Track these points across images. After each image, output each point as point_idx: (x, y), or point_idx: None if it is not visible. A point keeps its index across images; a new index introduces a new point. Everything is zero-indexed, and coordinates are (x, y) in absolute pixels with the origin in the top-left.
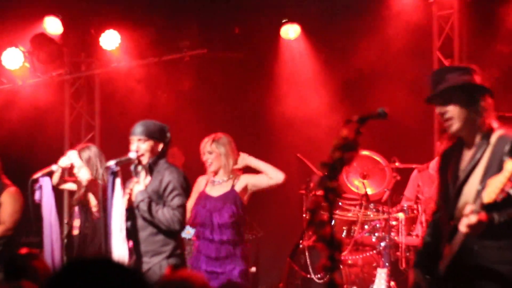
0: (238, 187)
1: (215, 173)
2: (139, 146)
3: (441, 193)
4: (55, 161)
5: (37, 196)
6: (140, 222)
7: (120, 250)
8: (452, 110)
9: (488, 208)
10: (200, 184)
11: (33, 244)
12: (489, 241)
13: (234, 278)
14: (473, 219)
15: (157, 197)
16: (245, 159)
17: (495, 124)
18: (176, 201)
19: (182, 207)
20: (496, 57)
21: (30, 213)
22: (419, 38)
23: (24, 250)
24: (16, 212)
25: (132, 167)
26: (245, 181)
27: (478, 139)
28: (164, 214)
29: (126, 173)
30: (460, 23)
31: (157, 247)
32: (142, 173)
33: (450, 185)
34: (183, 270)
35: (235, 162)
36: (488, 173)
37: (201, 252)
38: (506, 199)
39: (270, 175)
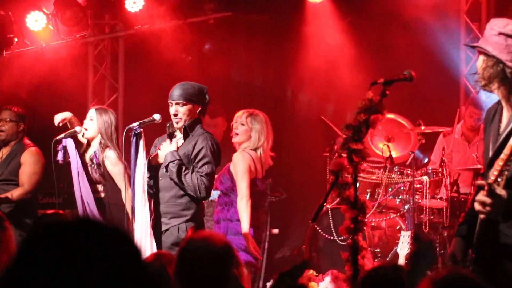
0: (233, 162)
1: (239, 145)
2: (177, 110)
3: (484, 157)
4: (78, 123)
5: (59, 156)
6: (165, 182)
7: (142, 211)
8: (481, 65)
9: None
10: None
11: (55, 205)
12: None
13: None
14: (486, 206)
15: (187, 161)
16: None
17: None
18: (206, 168)
19: (211, 175)
20: None
21: (52, 174)
22: (446, 1)
23: (51, 211)
24: (36, 173)
25: (167, 126)
26: (234, 163)
27: None
28: (192, 179)
29: (149, 135)
30: None
31: (178, 210)
32: (177, 134)
33: (490, 150)
34: (205, 230)
35: (266, 144)
36: None
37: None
38: None
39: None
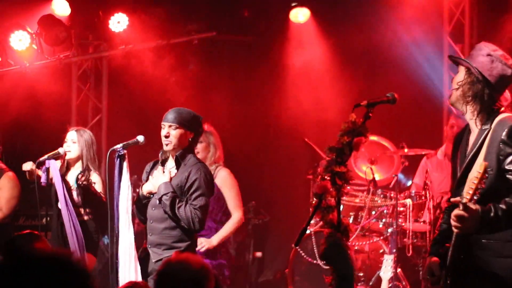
0: (217, 181)
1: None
2: (169, 132)
3: (452, 178)
4: (61, 144)
5: (42, 178)
6: (158, 213)
7: (126, 234)
8: (459, 80)
9: (484, 200)
10: None
11: (37, 228)
12: (496, 234)
13: None
14: (461, 221)
15: (181, 192)
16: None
17: (499, 108)
18: (199, 201)
19: (205, 207)
20: (506, 43)
21: (35, 196)
22: (429, 23)
23: (25, 231)
24: (13, 198)
25: (160, 153)
26: (222, 181)
27: (482, 122)
28: (185, 212)
29: (132, 156)
30: (471, 8)
31: (171, 241)
32: (169, 163)
33: (459, 171)
34: (184, 253)
35: (220, 155)
36: (487, 160)
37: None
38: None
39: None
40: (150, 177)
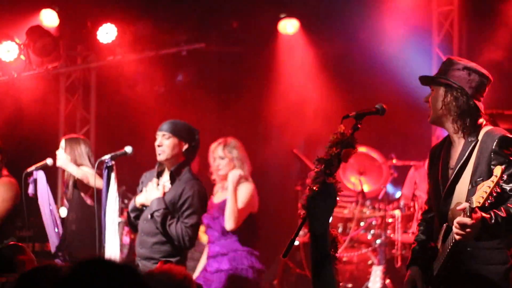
0: (238, 193)
1: (224, 177)
2: (162, 142)
3: (431, 192)
4: (49, 154)
5: (30, 189)
6: (150, 227)
7: (112, 244)
8: (433, 100)
9: (481, 207)
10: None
11: (25, 239)
12: (483, 242)
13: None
14: (466, 228)
15: (173, 208)
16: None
17: (482, 120)
18: (191, 219)
19: (196, 226)
20: (495, 55)
21: (23, 207)
22: (418, 34)
23: (11, 243)
24: (6, 200)
25: (156, 166)
26: (239, 194)
27: (466, 135)
28: (176, 229)
29: (120, 167)
30: (460, 20)
31: (161, 256)
32: (163, 177)
33: (440, 184)
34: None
35: (246, 168)
36: (477, 171)
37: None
38: (498, 195)
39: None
40: (144, 188)
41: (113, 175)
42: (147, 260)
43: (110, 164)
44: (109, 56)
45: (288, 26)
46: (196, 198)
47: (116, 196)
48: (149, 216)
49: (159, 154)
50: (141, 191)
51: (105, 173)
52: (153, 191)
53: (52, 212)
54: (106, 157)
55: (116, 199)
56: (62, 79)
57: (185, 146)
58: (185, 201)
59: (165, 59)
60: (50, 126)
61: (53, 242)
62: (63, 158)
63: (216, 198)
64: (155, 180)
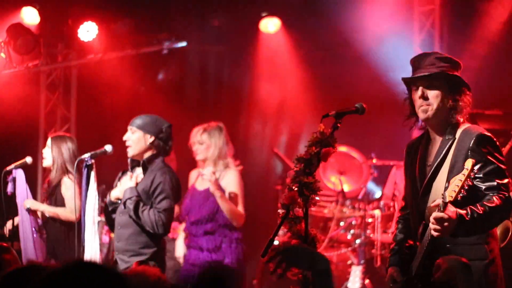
0: (223, 182)
1: (203, 162)
2: (128, 136)
3: (408, 189)
4: (29, 153)
5: (9, 188)
6: (124, 219)
7: (91, 243)
8: (433, 96)
9: (456, 204)
10: (191, 178)
11: (4, 237)
12: (461, 238)
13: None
14: (443, 223)
15: (146, 196)
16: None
17: (461, 118)
18: (164, 204)
19: (169, 210)
20: (476, 54)
21: (2, 205)
22: (400, 33)
23: None
24: None
25: (129, 160)
26: (227, 182)
27: (444, 132)
28: (149, 215)
29: (101, 166)
30: (441, 19)
31: (138, 247)
32: (137, 170)
33: (418, 181)
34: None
35: (225, 154)
36: (454, 168)
37: (190, 246)
38: (473, 194)
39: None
40: (118, 183)
41: (92, 173)
42: (124, 253)
43: (90, 163)
44: (90, 55)
45: (270, 24)
46: (168, 184)
47: (95, 195)
48: (123, 207)
49: (128, 151)
50: (116, 186)
51: (84, 171)
52: (126, 182)
53: (29, 211)
54: (86, 155)
55: (95, 198)
56: (43, 77)
57: (151, 139)
58: (157, 187)
59: (146, 58)
60: (31, 124)
61: (26, 241)
62: (49, 158)
63: (199, 185)
64: (129, 173)
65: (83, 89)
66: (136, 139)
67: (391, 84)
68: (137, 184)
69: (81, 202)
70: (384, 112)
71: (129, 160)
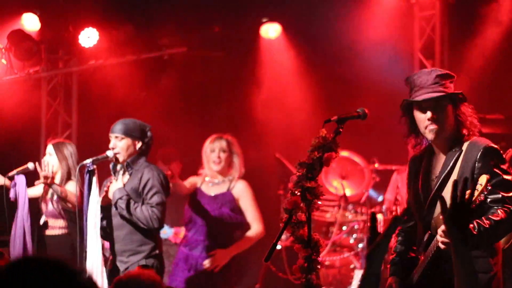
0: (235, 191)
1: (222, 171)
2: (115, 144)
3: (413, 202)
4: (31, 159)
5: (11, 194)
6: (118, 220)
7: (94, 248)
8: (442, 117)
9: None
10: (191, 183)
11: (7, 243)
12: None
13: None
14: (443, 236)
15: (136, 195)
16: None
17: (466, 131)
18: (155, 198)
19: (161, 204)
20: (477, 59)
21: (4, 211)
22: (400, 39)
23: None
24: None
25: (111, 165)
26: (240, 192)
27: (450, 146)
28: (142, 211)
29: (104, 172)
30: (442, 25)
31: (134, 246)
32: (121, 171)
33: (422, 194)
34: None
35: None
36: (462, 179)
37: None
38: (478, 206)
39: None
40: (105, 189)
41: (94, 179)
42: (122, 254)
43: (92, 168)
44: (91, 60)
45: (270, 30)
46: (157, 179)
47: (98, 201)
48: (114, 208)
49: (117, 157)
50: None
51: (86, 177)
52: (112, 185)
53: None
54: (88, 161)
55: (97, 203)
56: (44, 83)
57: (139, 145)
58: (146, 183)
59: (147, 64)
60: (32, 130)
61: (16, 246)
62: (54, 164)
63: (209, 190)
64: (112, 177)
65: (84, 95)
66: (125, 146)
67: (392, 89)
68: (124, 184)
69: (83, 208)
70: (386, 117)
71: (111, 165)
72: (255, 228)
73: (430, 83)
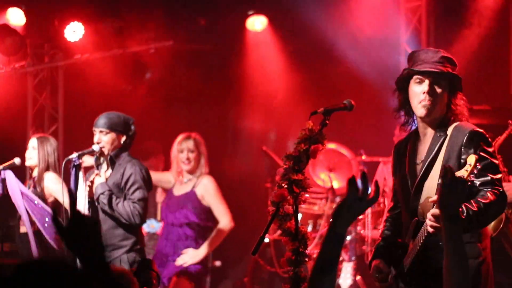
0: (198, 189)
1: (182, 172)
2: (100, 138)
3: (398, 188)
4: (17, 154)
5: None
6: (100, 215)
7: None
8: (437, 94)
9: None
10: (169, 180)
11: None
12: None
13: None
14: (438, 220)
15: (118, 190)
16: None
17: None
18: (137, 194)
19: (143, 200)
20: (462, 50)
21: None
22: (386, 30)
23: None
24: None
25: (94, 159)
26: (204, 188)
27: (435, 129)
28: (124, 207)
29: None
30: (428, 16)
31: (117, 241)
32: (104, 166)
33: (409, 180)
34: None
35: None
36: (448, 163)
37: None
38: (469, 192)
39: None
40: (89, 184)
41: (80, 173)
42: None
43: (78, 163)
44: (77, 55)
45: (256, 23)
46: (139, 174)
47: (85, 196)
48: (96, 203)
49: (103, 151)
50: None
51: (72, 171)
52: (95, 179)
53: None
54: (73, 155)
55: (85, 198)
56: (30, 78)
57: (123, 138)
58: (128, 179)
59: (133, 57)
60: (18, 125)
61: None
62: (36, 158)
63: (176, 190)
64: (96, 171)
65: (70, 89)
66: (110, 140)
67: (379, 80)
68: (106, 179)
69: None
70: (372, 108)
71: (94, 159)
72: (223, 222)
73: (435, 60)
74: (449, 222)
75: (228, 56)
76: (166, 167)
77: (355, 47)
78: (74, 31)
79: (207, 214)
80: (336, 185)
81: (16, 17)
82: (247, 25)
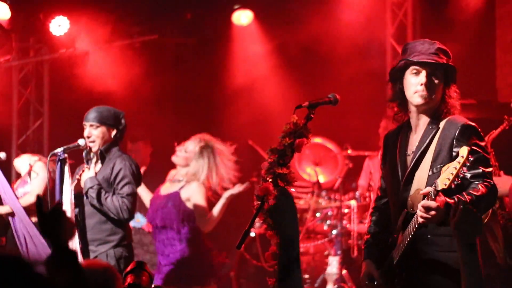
0: (183, 193)
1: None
2: (91, 132)
3: (387, 179)
4: (2, 148)
5: None
6: (88, 209)
7: None
8: (434, 85)
9: (443, 192)
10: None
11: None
12: (442, 229)
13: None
14: (430, 211)
15: (107, 184)
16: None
17: (445, 110)
18: (126, 189)
19: (132, 195)
20: (448, 45)
21: None
22: (372, 24)
23: None
24: None
25: (84, 153)
26: (192, 193)
27: (428, 121)
28: (113, 201)
29: (75, 160)
30: (414, 10)
31: (104, 235)
32: (93, 160)
33: (399, 171)
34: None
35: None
36: (438, 158)
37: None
38: (458, 184)
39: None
40: (78, 178)
41: (66, 168)
42: (91, 243)
43: (63, 157)
44: (62, 49)
45: (242, 17)
46: (128, 169)
47: (71, 190)
48: (85, 197)
49: (91, 145)
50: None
51: (58, 166)
52: (84, 173)
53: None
54: (59, 150)
55: (71, 192)
56: (15, 72)
57: (114, 132)
58: (118, 174)
59: (119, 51)
60: (3, 119)
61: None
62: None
63: (163, 190)
64: (85, 166)
65: (55, 83)
66: (100, 134)
67: (364, 74)
68: (96, 174)
69: (56, 197)
70: (358, 102)
71: (84, 153)
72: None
73: (431, 52)
74: (467, 250)
75: (213, 50)
76: (154, 159)
77: (341, 41)
78: (59, 25)
79: (189, 216)
80: (322, 179)
81: (1, 11)
82: (233, 19)
